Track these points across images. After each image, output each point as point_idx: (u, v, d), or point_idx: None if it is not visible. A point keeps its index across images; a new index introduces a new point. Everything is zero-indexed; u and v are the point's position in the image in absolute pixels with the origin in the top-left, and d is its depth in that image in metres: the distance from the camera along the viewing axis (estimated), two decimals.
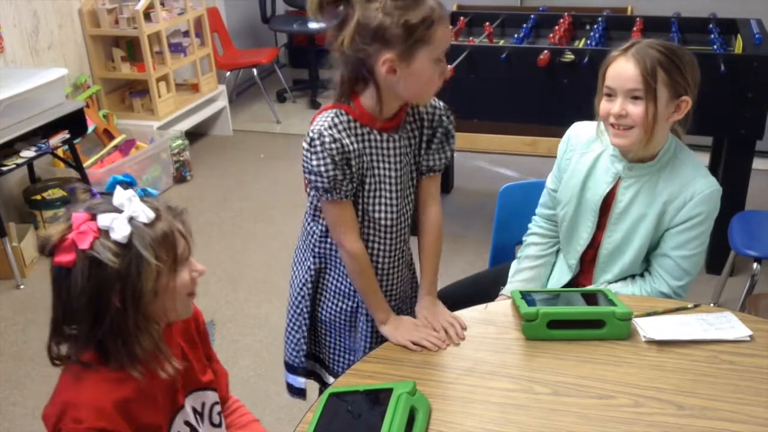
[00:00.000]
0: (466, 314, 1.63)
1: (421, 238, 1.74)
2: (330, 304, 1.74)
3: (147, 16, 4.17)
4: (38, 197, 3.52)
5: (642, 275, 1.82)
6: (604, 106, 1.70)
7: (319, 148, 1.49)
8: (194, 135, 4.87)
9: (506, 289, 1.92)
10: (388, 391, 1.29)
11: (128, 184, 1.19)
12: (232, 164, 4.60)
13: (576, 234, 1.85)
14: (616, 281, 1.83)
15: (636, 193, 1.74)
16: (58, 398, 1.18)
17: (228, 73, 5.33)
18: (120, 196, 1.15)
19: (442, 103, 1.65)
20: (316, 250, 1.70)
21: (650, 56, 1.63)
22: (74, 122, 3.48)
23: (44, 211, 3.46)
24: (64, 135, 3.44)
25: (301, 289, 1.75)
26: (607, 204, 1.79)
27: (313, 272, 1.72)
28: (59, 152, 3.58)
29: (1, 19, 3.59)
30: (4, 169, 3.17)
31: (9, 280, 3.29)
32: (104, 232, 1.12)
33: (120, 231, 1.12)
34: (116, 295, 1.13)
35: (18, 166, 3.24)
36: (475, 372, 1.43)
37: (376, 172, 1.58)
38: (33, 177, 3.67)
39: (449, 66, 2.93)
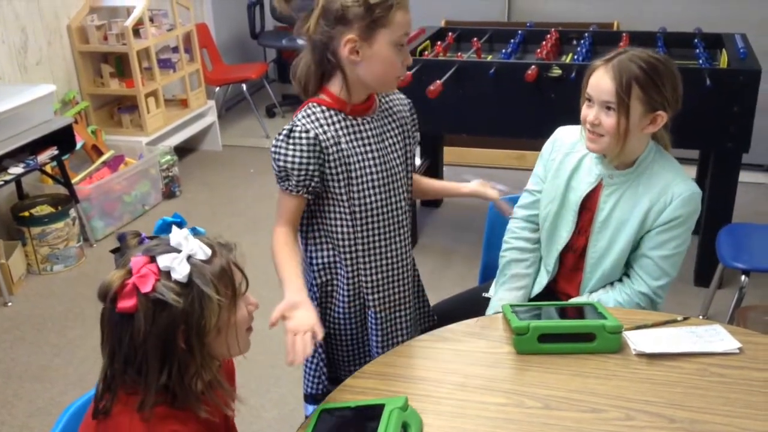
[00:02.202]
0: (457, 328, 1.63)
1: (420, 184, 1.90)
2: (340, 311, 1.74)
3: (136, 32, 4.17)
4: (26, 214, 3.50)
5: (621, 280, 1.84)
6: (584, 111, 1.76)
7: (281, 138, 1.58)
8: (183, 150, 4.86)
9: (492, 307, 1.94)
10: (380, 407, 1.29)
11: (178, 224, 1.20)
12: (222, 179, 4.59)
13: (556, 234, 1.88)
14: (596, 289, 1.85)
15: (618, 200, 1.78)
16: None
17: (217, 88, 5.33)
18: (177, 235, 1.16)
19: (408, 101, 1.78)
20: (316, 261, 1.71)
21: (628, 71, 1.66)
22: (63, 138, 3.47)
23: (32, 228, 3.43)
24: (53, 151, 3.43)
25: None
26: (587, 207, 1.82)
27: (316, 288, 1.72)
28: (47, 168, 3.57)
29: None
30: None
31: None
32: (165, 273, 1.12)
33: (181, 270, 1.12)
34: (181, 336, 1.13)
35: (6, 182, 3.22)
36: (466, 386, 1.43)
37: (359, 158, 1.62)
38: (21, 193, 3.65)
39: (438, 81, 2.99)
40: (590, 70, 1.74)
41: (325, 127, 1.59)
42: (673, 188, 1.72)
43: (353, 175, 1.62)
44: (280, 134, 1.59)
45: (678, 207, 1.71)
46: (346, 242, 1.67)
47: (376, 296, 1.72)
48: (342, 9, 1.50)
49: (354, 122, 1.63)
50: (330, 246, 1.69)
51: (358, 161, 1.62)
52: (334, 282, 1.72)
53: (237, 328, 1.21)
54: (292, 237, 1.65)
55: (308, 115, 1.59)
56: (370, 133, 1.65)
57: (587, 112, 1.74)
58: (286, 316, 1.47)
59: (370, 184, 1.65)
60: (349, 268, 1.69)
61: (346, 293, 1.72)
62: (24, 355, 2.91)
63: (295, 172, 1.58)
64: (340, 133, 1.60)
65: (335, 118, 1.60)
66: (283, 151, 1.58)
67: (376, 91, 1.66)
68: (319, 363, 1.76)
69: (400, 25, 1.53)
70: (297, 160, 1.57)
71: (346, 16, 1.51)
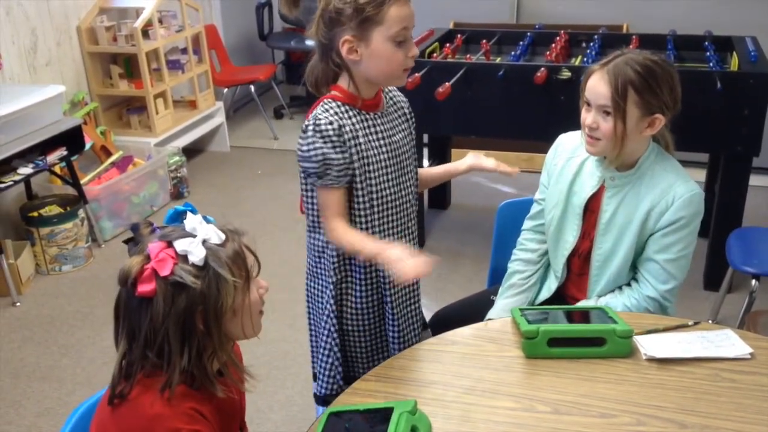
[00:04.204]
0: (466, 332, 1.63)
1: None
2: (357, 308, 1.74)
3: (145, 33, 4.18)
4: (35, 214, 3.51)
5: (629, 284, 1.84)
6: (582, 114, 1.76)
7: (310, 134, 1.58)
8: (191, 151, 4.87)
9: (491, 314, 1.94)
10: (389, 410, 1.28)
11: (189, 211, 1.24)
12: (230, 180, 4.60)
13: (562, 238, 1.88)
14: (605, 294, 1.84)
15: (620, 202, 1.77)
16: (141, 415, 1.16)
17: (225, 89, 5.34)
18: (192, 221, 1.20)
19: (405, 99, 1.80)
20: (333, 258, 1.70)
21: (623, 75, 1.66)
22: (72, 139, 3.48)
23: (41, 228, 3.44)
24: (62, 152, 3.43)
25: (324, 308, 1.75)
26: (591, 210, 1.82)
27: (332, 286, 1.72)
28: (56, 169, 3.58)
29: (0, 37, 3.60)
30: (1, 186, 3.15)
31: (5, 297, 3.27)
32: (182, 257, 1.17)
33: (197, 253, 1.17)
34: (199, 317, 1.18)
35: (15, 183, 3.23)
36: (475, 390, 1.43)
37: (374, 151, 1.65)
38: (30, 194, 3.66)
39: (446, 83, 2.98)
40: (587, 74, 1.74)
41: (345, 120, 1.60)
42: (674, 189, 1.71)
43: (370, 168, 1.64)
44: (305, 132, 1.59)
45: (680, 208, 1.70)
46: None
47: (392, 290, 1.74)
48: (335, 11, 1.53)
49: (367, 116, 1.65)
50: None
51: (374, 155, 1.64)
52: (349, 279, 1.73)
53: (251, 310, 1.26)
54: (348, 225, 1.65)
55: (327, 110, 1.60)
56: (381, 128, 1.67)
57: (585, 116, 1.74)
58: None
59: (384, 177, 1.67)
60: (366, 263, 1.70)
61: (362, 289, 1.73)
62: (32, 355, 2.91)
63: (335, 164, 1.59)
64: (357, 127, 1.62)
65: (350, 113, 1.62)
66: (318, 146, 1.57)
67: (383, 86, 1.68)
68: (335, 362, 1.76)
69: (396, 20, 1.53)
70: (332, 152, 1.58)
71: (339, 18, 1.53)
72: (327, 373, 1.78)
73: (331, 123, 1.57)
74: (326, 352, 1.77)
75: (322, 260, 1.73)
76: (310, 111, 1.63)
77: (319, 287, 1.76)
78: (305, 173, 1.63)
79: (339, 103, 1.62)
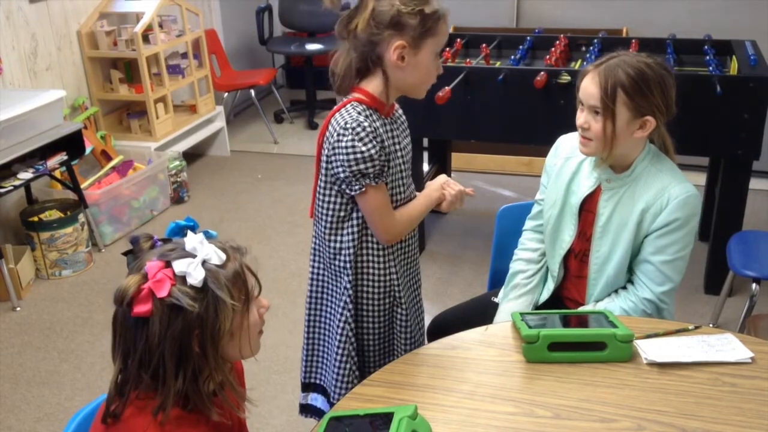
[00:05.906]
0: (466, 336, 1.62)
1: None
2: (371, 312, 1.75)
3: (145, 38, 4.18)
4: (35, 219, 3.51)
5: (625, 287, 1.84)
6: (577, 114, 1.77)
7: (363, 134, 1.57)
8: (192, 156, 4.88)
9: (498, 318, 1.94)
10: (389, 415, 1.28)
11: (191, 228, 1.22)
12: (230, 185, 4.60)
13: (559, 237, 1.89)
14: (602, 297, 1.84)
15: (616, 204, 1.78)
16: None
17: (226, 94, 5.34)
18: (192, 240, 1.17)
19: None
20: (349, 263, 1.70)
21: (614, 77, 1.67)
22: (72, 144, 3.48)
23: (41, 233, 3.44)
24: (62, 156, 3.44)
25: (341, 314, 1.74)
26: (587, 210, 1.83)
27: (350, 291, 1.72)
28: (57, 174, 3.58)
29: (0, 41, 3.61)
30: (2, 190, 3.16)
31: (5, 302, 3.28)
32: (180, 278, 1.14)
33: (196, 275, 1.13)
34: (195, 340, 1.15)
35: (15, 187, 3.23)
36: (476, 395, 1.42)
37: (393, 155, 1.67)
38: (30, 198, 3.66)
39: (446, 87, 2.98)
40: (582, 75, 1.76)
41: (374, 124, 1.62)
42: (669, 191, 1.71)
43: (391, 171, 1.66)
44: (345, 137, 1.57)
45: (674, 210, 1.70)
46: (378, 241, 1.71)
47: (404, 293, 1.76)
48: (398, 15, 1.54)
49: (386, 121, 1.67)
50: (359, 245, 1.70)
51: (393, 158, 1.67)
52: (365, 283, 1.73)
53: (249, 331, 1.23)
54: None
55: (360, 113, 1.60)
56: (394, 133, 1.70)
57: (579, 116, 1.76)
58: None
59: (399, 182, 1.70)
60: (380, 266, 1.71)
61: (376, 292, 1.73)
62: (32, 360, 2.91)
63: (379, 162, 1.60)
64: (380, 130, 1.63)
65: (374, 117, 1.63)
66: (374, 145, 1.58)
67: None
68: (352, 367, 1.75)
69: (444, 34, 1.61)
70: (375, 152, 1.58)
71: (400, 23, 1.55)
72: (342, 378, 1.75)
73: (369, 125, 1.59)
74: (344, 358, 1.75)
75: (338, 261, 1.72)
76: (331, 114, 1.63)
77: (336, 294, 1.75)
78: (356, 177, 1.60)
79: (365, 106, 1.63)
